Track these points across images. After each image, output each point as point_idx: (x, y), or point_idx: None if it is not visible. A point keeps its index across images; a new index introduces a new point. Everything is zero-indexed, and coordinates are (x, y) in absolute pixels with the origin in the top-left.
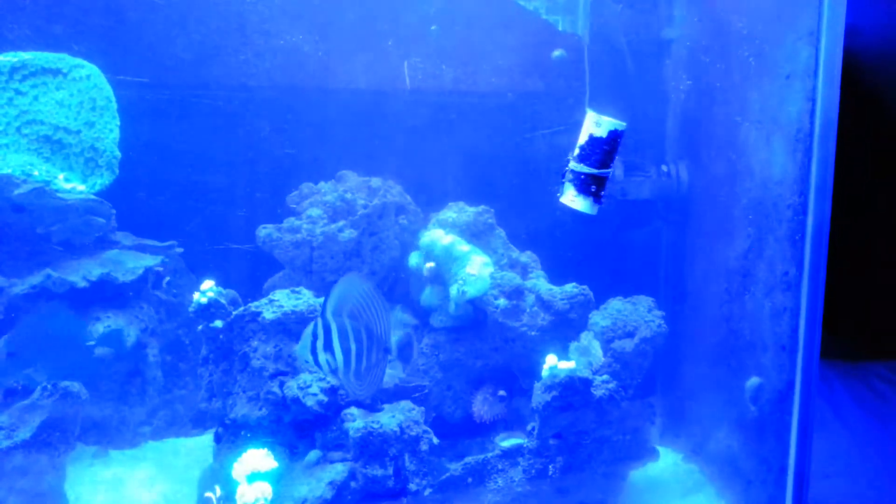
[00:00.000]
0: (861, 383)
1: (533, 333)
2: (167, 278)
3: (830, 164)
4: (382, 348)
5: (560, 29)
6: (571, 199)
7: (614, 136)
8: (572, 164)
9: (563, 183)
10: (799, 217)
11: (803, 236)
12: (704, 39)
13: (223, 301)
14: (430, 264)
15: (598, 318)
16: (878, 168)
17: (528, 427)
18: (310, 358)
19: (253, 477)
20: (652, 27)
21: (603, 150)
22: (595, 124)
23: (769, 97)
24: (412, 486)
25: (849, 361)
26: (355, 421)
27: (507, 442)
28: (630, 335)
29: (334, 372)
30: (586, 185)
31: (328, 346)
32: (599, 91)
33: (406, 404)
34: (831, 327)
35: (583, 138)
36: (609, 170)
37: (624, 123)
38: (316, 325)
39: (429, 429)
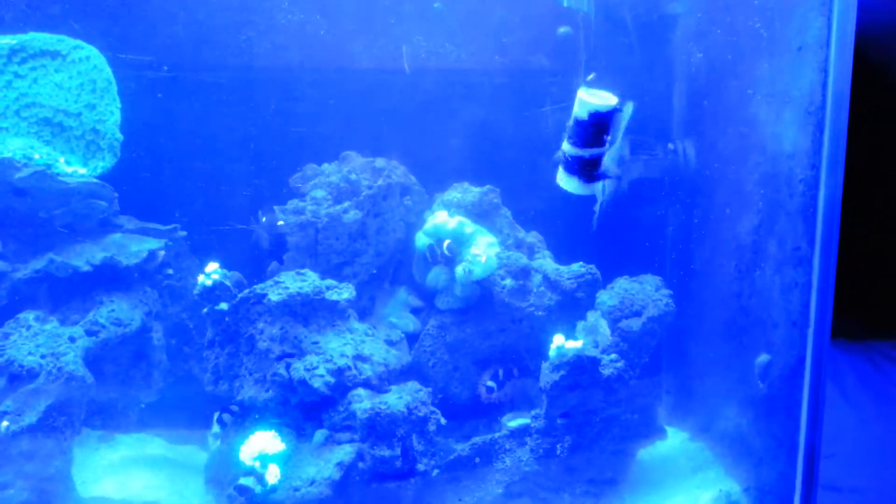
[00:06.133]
0: (867, 362)
1: (540, 313)
2: (169, 271)
3: (843, 137)
4: None
5: (565, 5)
6: (560, 179)
7: (596, 117)
8: (564, 145)
9: (557, 164)
10: (811, 191)
11: (815, 211)
12: (713, 11)
13: (228, 283)
14: (447, 242)
15: (606, 298)
16: (891, 144)
17: (533, 412)
18: None
19: (261, 459)
20: (658, 0)
21: (586, 132)
22: (579, 104)
23: (780, 70)
24: (420, 467)
25: (854, 340)
26: (363, 402)
27: (514, 422)
28: (637, 314)
29: None
30: (570, 166)
31: None
32: (605, 67)
33: (413, 385)
34: (837, 306)
35: (571, 118)
36: (597, 150)
37: (614, 101)
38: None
39: (436, 409)
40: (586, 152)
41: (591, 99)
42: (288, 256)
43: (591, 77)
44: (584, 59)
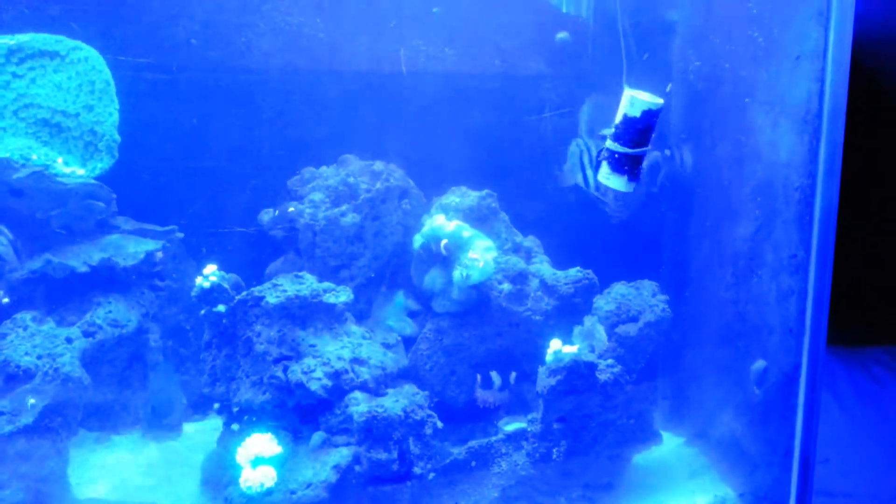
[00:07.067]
0: (860, 368)
1: (537, 318)
2: (159, 268)
3: (839, 146)
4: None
5: (564, 11)
6: (606, 176)
7: (648, 115)
8: (608, 143)
9: (601, 161)
10: (807, 199)
11: (811, 219)
12: (712, 19)
13: (226, 285)
14: (444, 241)
15: (602, 303)
16: (885, 153)
17: (530, 417)
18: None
19: (257, 461)
20: (657, 7)
21: (636, 130)
22: (629, 104)
23: (778, 78)
24: (416, 470)
25: (848, 347)
26: (360, 405)
27: (510, 426)
28: (634, 319)
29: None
30: (620, 164)
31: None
32: (603, 74)
33: (410, 388)
34: (833, 312)
35: (618, 117)
36: (644, 149)
37: (660, 101)
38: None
39: (433, 413)
40: (635, 150)
41: (643, 97)
42: (286, 258)
43: (668, 88)
44: (625, 61)
